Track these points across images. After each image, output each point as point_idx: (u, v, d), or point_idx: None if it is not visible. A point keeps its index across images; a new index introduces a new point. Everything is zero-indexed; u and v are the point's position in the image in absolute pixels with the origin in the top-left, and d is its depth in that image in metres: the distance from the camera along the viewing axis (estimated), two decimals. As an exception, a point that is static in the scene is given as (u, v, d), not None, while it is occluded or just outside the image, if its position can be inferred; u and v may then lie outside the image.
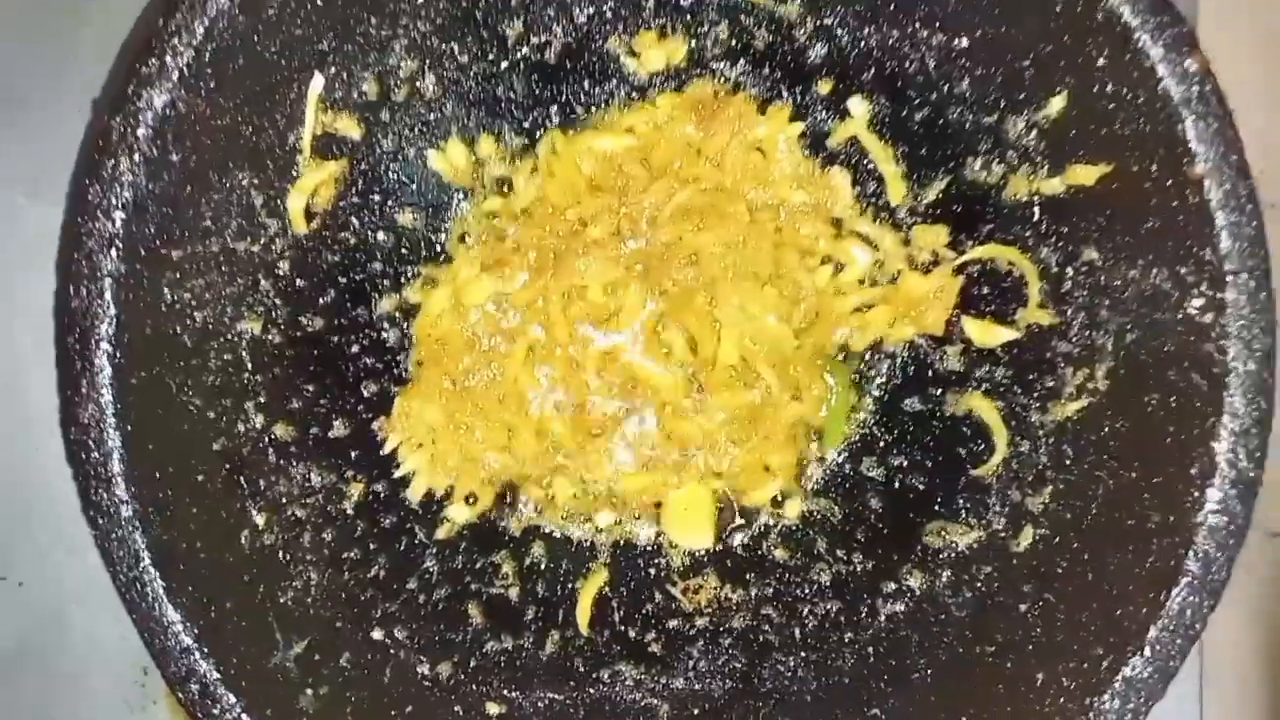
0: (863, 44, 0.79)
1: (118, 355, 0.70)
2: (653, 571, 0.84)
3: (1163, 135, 0.68)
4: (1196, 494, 0.67)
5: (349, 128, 0.80)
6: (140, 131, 0.70)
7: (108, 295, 0.70)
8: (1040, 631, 0.71)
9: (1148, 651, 0.66)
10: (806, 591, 0.81)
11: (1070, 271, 0.75)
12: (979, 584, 0.76)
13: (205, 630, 0.70)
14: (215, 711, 0.69)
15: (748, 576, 0.82)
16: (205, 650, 0.69)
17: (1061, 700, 0.67)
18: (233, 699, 0.69)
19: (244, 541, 0.74)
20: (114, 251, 0.70)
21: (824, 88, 0.82)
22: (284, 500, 0.77)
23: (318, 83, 0.77)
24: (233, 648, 0.70)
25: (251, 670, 0.71)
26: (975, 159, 0.78)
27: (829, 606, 0.80)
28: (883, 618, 0.79)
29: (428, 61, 0.79)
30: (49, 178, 0.88)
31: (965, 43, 0.75)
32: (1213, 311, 0.67)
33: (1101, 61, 0.69)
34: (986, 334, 0.79)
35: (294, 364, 0.79)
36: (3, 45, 0.91)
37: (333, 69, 0.77)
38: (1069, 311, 0.75)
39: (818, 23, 0.79)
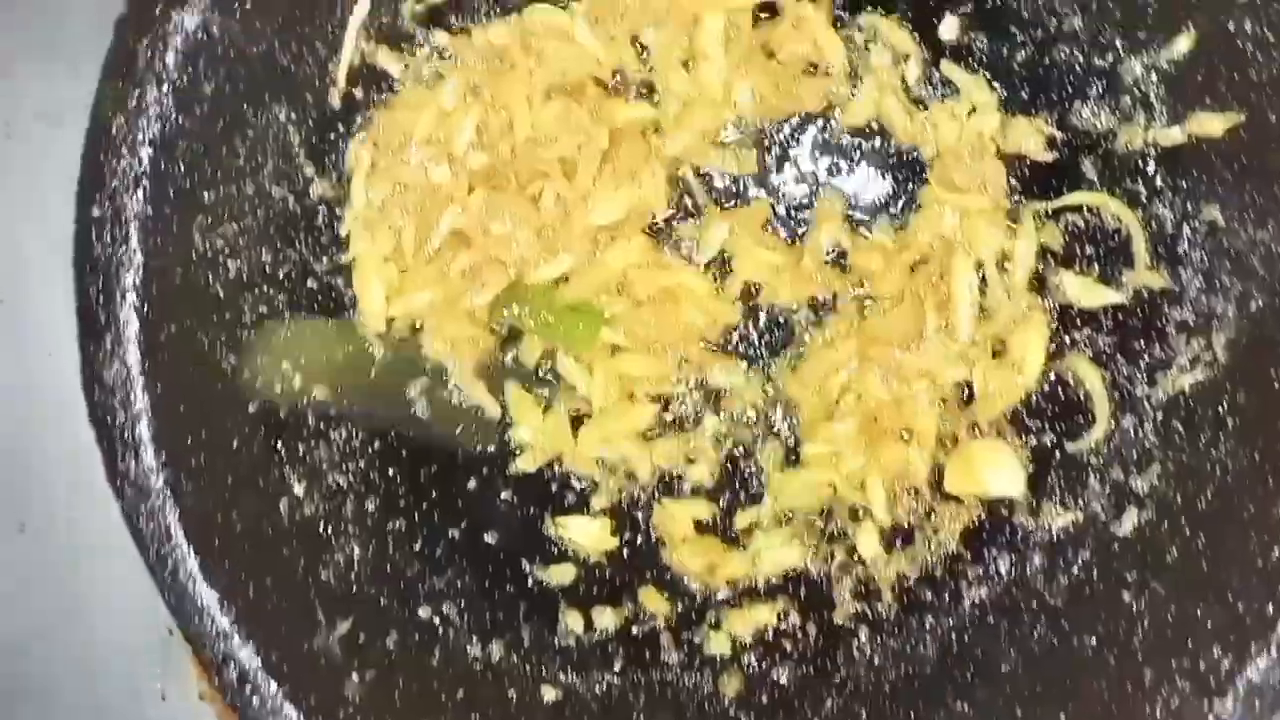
0: (961, -28, 0.72)
1: (145, 307, 0.64)
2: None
3: (1308, 82, 0.61)
4: (1329, 478, 0.61)
5: (387, 59, 0.73)
6: (169, 57, 0.63)
7: (134, 240, 0.63)
8: (1148, 625, 0.66)
9: (1275, 652, 0.61)
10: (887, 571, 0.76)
11: (1187, 230, 0.69)
12: (1076, 570, 0.71)
13: (243, 611, 0.64)
14: (255, 701, 0.63)
15: (826, 550, 0.77)
16: (244, 633, 0.64)
17: (1174, 703, 0.62)
18: (274, 686, 0.64)
19: (283, 512, 0.69)
20: (140, 192, 0.63)
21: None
22: (324, 467, 0.71)
23: (364, 6, 0.69)
24: (273, 629, 0.65)
25: (293, 654, 0.65)
26: (1084, 104, 0.71)
27: (908, 588, 0.75)
28: (967, 603, 0.73)
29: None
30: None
31: (1079, -26, 0.68)
32: (1353, 279, 0.61)
33: (1241, -2, 0.63)
34: (1088, 293, 0.72)
35: (334, 314, 0.73)
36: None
37: (379, -8, 0.70)
38: (1184, 275, 0.69)
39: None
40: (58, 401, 0.85)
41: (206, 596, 0.64)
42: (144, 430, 0.64)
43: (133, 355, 0.64)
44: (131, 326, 0.63)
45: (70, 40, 0.86)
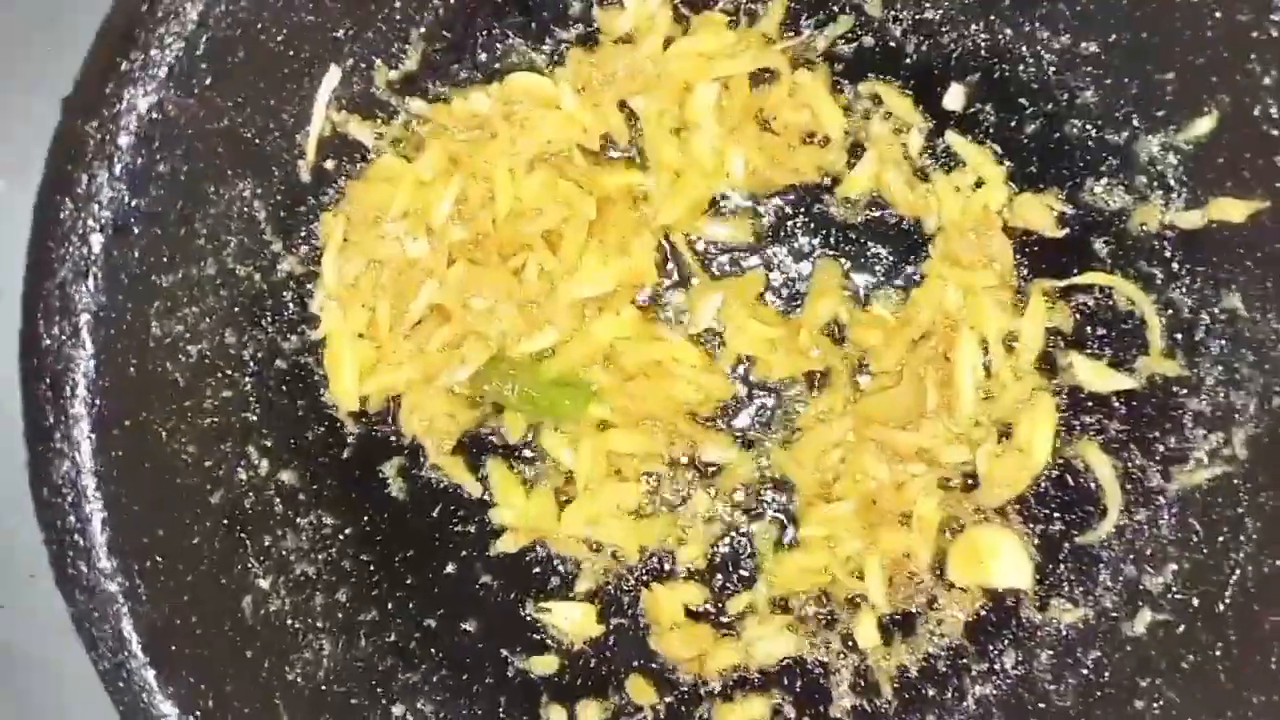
0: (969, 43, 0.68)
1: (96, 402, 0.60)
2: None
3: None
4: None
5: (359, 130, 0.69)
6: (121, 139, 0.59)
7: (84, 333, 0.59)
8: (1157, 740, 0.62)
9: (1296, 777, 0.58)
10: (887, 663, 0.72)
11: (1206, 318, 0.65)
12: (1085, 670, 0.67)
13: (203, 722, 0.61)
14: (215, 821, 0.60)
15: (822, 636, 0.73)
16: (203, 748, 0.60)
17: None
18: (235, 805, 0.60)
19: (247, 610, 0.65)
20: (91, 281, 0.59)
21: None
22: (292, 557, 0.68)
23: (333, 76, 0.66)
24: (234, 741, 0.61)
25: (256, 768, 0.62)
26: (1097, 181, 0.67)
27: (910, 681, 0.71)
28: (970, 701, 0.70)
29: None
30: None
31: (1094, 48, 0.65)
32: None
33: (1267, 80, 0.59)
34: (1100, 377, 0.69)
35: (304, 394, 0.70)
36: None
37: (349, 61, 0.66)
38: (1202, 364, 0.65)
39: (916, 16, 0.68)
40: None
41: (162, 709, 0.60)
42: (96, 533, 0.60)
43: (84, 452, 0.60)
44: (83, 423, 0.60)
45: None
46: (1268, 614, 0.61)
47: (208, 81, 0.60)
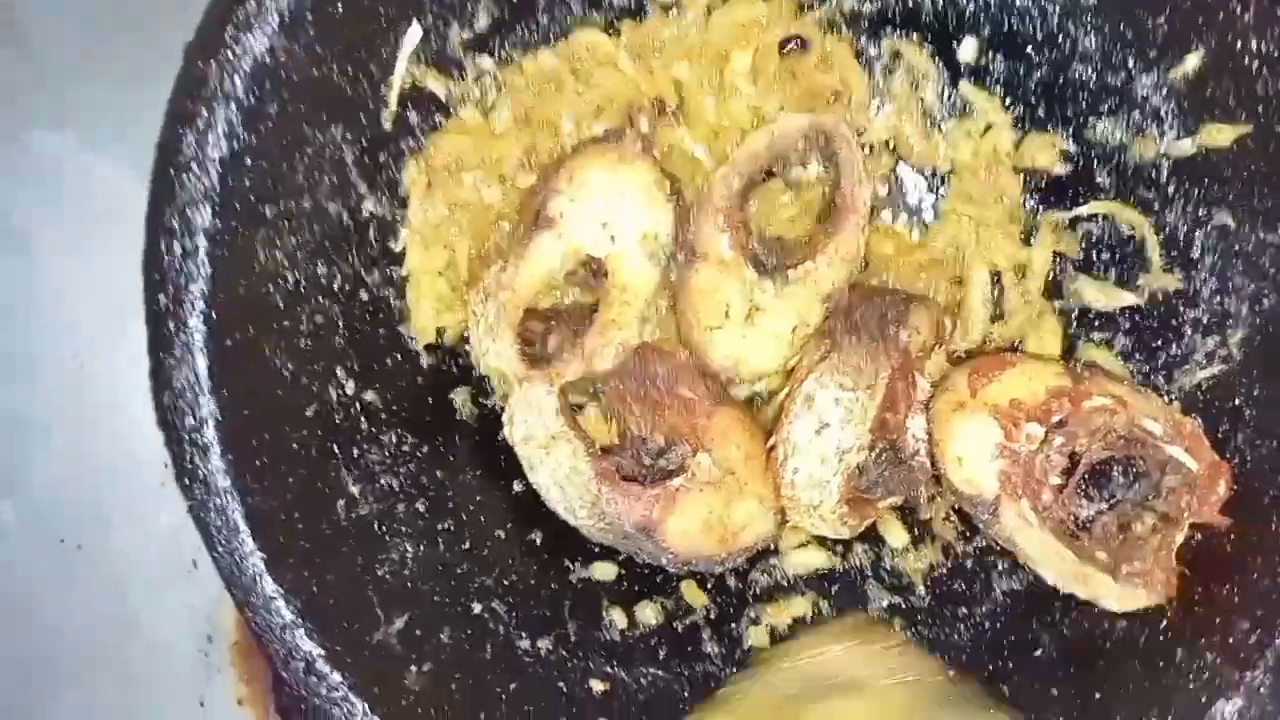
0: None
1: (213, 316, 0.66)
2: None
3: (1312, 92, 0.65)
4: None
5: (435, 83, 0.76)
6: (237, 80, 0.66)
7: (202, 253, 0.66)
8: (1176, 605, 0.68)
9: (1301, 624, 0.64)
10: (917, 564, 0.78)
11: (1200, 235, 0.72)
12: (1101, 559, 0.73)
13: (307, 606, 0.66)
14: (322, 690, 0.66)
15: (854, 548, 0.79)
16: (309, 627, 0.66)
17: (1206, 676, 0.65)
18: (338, 677, 0.66)
19: (340, 512, 0.71)
20: (209, 207, 0.66)
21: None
22: (377, 469, 0.74)
23: (415, 33, 0.73)
24: (335, 623, 0.67)
25: (355, 647, 0.68)
26: (1099, 120, 0.75)
27: (940, 579, 0.78)
28: (998, 592, 0.76)
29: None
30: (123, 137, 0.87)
31: (1093, -1, 0.72)
32: (1360, 275, 0.65)
33: (1247, 18, 0.66)
34: (1105, 296, 0.76)
35: (384, 324, 0.76)
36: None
37: (429, 17, 0.73)
38: (1198, 277, 0.72)
39: (932, -26, 0.76)
40: (110, 423, 0.89)
41: (272, 591, 0.66)
42: (211, 432, 0.66)
43: (200, 361, 0.66)
44: (200, 334, 0.66)
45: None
46: (1265, 488, 0.67)
47: (311, 32, 0.67)
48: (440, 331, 0.78)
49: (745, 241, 0.74)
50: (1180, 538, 0.69)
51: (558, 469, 0.72)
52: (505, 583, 0.76)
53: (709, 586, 0.79)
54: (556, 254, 0.73)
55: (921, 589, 0.78)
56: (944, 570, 0.78)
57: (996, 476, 0.69)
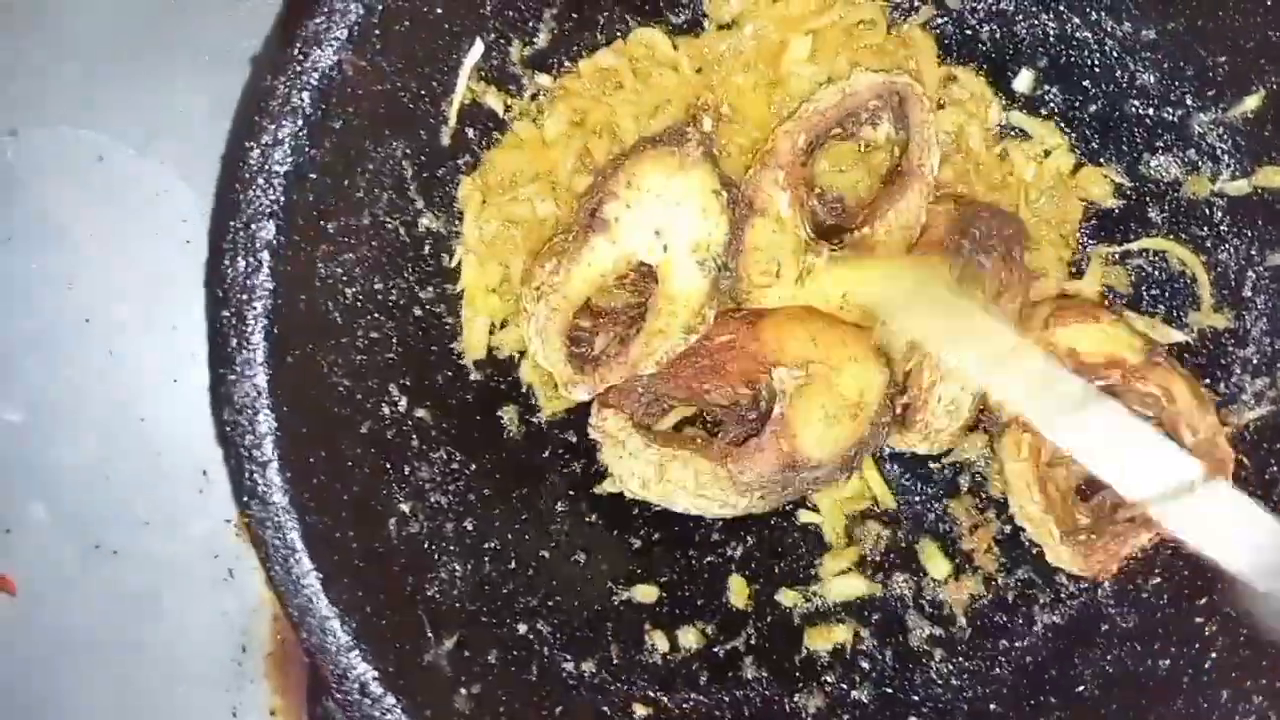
0: (1039, 31, 0.76)
1: (274, 332, 0.66)
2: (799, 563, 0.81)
3: (1373, 140, 0.66)
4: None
5: (494, 100, 0.76)
6: (305, 94, 0.66)
7: (265, 268, 0.66)
8: (1221, 646, 0.69)
9: (1348, 670, 0.65)
10: (958, 595, 0.79)
11: (1252, 276, 0.73)
12: (1146, 594, 0.74)
13: (361, 626, 0.66)
14: (375, 713, 0.65)
15: (895, 577, 0.80)
16: (363, 648, 0.66)
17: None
18: (392, 700, 0.66)
19: (391, 530, 0.71)
20: (273, 222, 0.66)
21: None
22: (427, 487, 0.74)
23: (477, 49, 0.73)
24: (388, 644, 0.67)
25: (407, 668, 0.67)
26: (1152, 155, 0.75)
27: (981, 610, 0.78)
28: (1039, 626, 0.77)
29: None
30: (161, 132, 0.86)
31: (1153, 34, 0.73)
32: None
33: (1310, 61, 0.67)
34: (1154, 332, 0.77)
35: (436, 341, 0.76)
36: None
37: (491, 35, 0.73)
38: (1248, 317, 0.73)
39: (991, 7, 0.77)
40: (146, 428, 0.89)
41: (327, 611, 0.66)
42: (270, 448, 0.66)
43: (261, 378, 0.66)
44: (261, 350, 0.66)
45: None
46: (1313, 532, 0.68)
47: (378, 46, 0.67)
48: (491, 349, 0.78)
49: (805, 200, 0.74)
50: (1145, 540, 0.72)
51: (689, 485, 0.72)
52: (550, 604, 0.76)
53: (752, 593, 0.79)
54: (609, 258, 0.72)
55: (962, 619, 0.78)
56: (985, 602, 0.78)
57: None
